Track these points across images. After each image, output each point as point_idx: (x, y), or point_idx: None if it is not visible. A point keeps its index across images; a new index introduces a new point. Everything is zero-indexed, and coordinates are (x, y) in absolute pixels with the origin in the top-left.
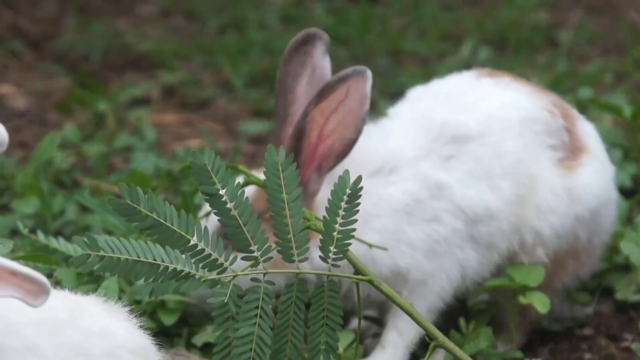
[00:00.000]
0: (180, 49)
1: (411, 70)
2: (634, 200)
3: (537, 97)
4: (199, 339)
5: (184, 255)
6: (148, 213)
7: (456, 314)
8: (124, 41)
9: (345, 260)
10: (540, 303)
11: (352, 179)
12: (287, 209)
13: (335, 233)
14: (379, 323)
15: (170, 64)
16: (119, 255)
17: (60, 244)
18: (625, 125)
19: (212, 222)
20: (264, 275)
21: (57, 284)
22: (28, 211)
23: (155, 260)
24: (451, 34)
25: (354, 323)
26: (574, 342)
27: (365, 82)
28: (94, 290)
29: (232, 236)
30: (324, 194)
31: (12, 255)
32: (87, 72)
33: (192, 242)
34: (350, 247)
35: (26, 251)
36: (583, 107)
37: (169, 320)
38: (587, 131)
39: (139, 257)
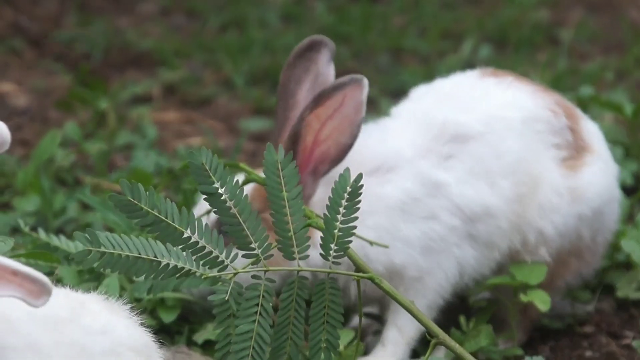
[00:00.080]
0: (181, 47)
1: (412, 69)
2: (635, 198)
3: (540, 96)
4: (199, 337)
5: (184, 253)
6: (149, 210)
7: (457, 312)
8: (125, 39)
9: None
10: (541, 301)
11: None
12: (287, 207)
13: (336, 231)
14: (380, 320)
15: (171, 62)
16: (120, 252)
17: (61, 242)
18: (626, 123)
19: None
20: (265, 273)
21: (58, 281)
22: (29, 209)
23: (156, 257)
24: (452, 32)
25: (355, 321)
26: (575, 339)
27: (361, 90)
28: (95, 288)
29: (232, 234)
30: (318, 197)
31: (13, 253)
32: (88, 70)
33: (193, 239)
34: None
35: (27, 249)
36: (584, 105)
37: (168, 317)
38: (591, 130)
39: (139, 254)
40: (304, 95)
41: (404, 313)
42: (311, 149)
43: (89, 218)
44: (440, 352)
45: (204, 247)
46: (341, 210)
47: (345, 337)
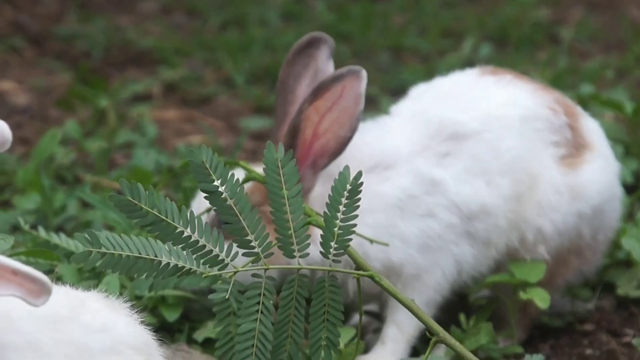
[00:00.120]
0: (182, 46)
1: (412, 67)
2: (635, 196)
3: (540, 94)
4: (200, 335)
5: (185, 252)
6: (149, 209)
7: (457, 310)
8: (125, 37)
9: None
10: (541, 299)
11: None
12: (287, 205)
13: (336, 229)
14: (380, 318)
15: (172, 60)
16: (121, 252)
17: (61, 240)
18: (627, 121)
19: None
20: (265, 271)
21: (58, 279)
22: (29, 207)
23: (156, 256)
24: (452, 31)
25: (355, 318)
26: (575, 337)
27: (360, 82)
28: (95, 286)
29: (232, 232)
30: (317, 192)
31: (13, 251)
32: (88, 68)
33: (193, 239)
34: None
35: (27, 247)
36: (584, 104)
37: (171, 316)
38: (592, 128)
39: (140, 254)
40: (303, 91)
41: (403, 310)
42: (310, 143)
43: (89, 216)
44: (441, 350)
45: (204, 246)
46: (341, 208)
47: (345, 335)
